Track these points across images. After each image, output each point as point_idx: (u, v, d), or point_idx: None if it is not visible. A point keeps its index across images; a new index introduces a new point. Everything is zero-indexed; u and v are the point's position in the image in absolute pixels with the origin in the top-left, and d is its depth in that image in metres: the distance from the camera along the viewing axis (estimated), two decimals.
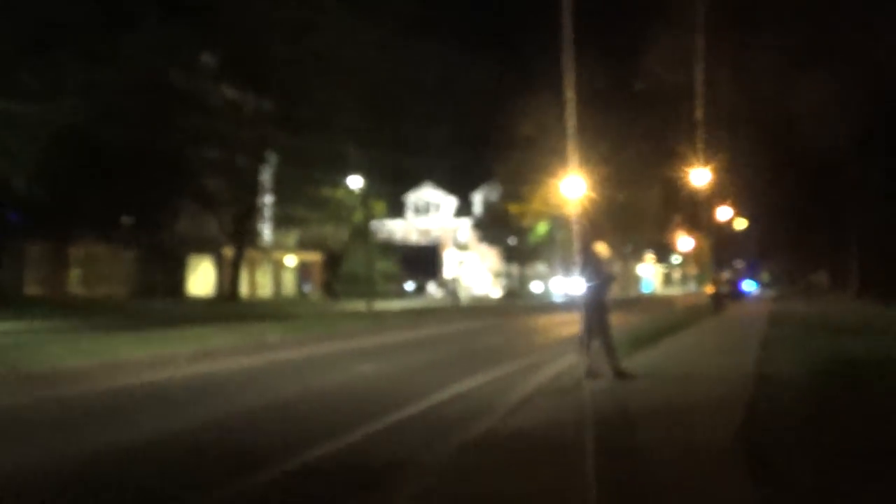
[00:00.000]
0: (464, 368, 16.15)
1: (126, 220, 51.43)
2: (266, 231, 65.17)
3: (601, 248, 14.43)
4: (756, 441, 8.25)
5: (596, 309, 13.98)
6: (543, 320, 34.63)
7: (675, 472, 7.44)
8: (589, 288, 13.83)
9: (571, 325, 14.03)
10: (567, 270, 14.76)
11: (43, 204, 38.62)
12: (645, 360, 16.59)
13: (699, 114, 40.73)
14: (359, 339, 25.01)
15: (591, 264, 14.02)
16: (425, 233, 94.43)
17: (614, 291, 14.90)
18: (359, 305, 46.50)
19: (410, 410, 11.45)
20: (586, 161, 36.35)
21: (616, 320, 14.82)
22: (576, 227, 13.45)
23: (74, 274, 50.38)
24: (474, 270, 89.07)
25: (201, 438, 9.88)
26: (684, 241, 67.65)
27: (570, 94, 13.36)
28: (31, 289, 44.42)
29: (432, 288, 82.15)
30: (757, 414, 9.76)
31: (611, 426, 9.76)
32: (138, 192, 45.70)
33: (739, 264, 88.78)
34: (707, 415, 10.21)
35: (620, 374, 13.75)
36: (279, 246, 67.28)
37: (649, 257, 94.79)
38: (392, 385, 14.53)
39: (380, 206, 65.34)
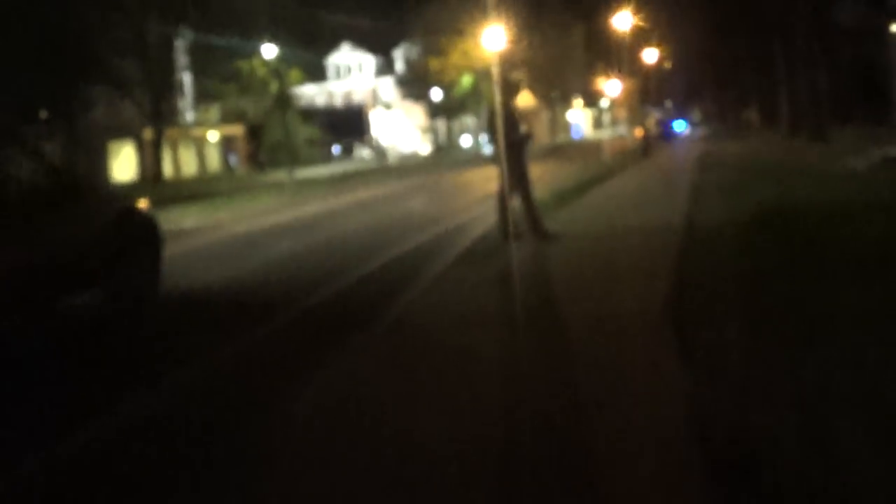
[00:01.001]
0: (380, 241, 15.27)
1: (42, 113, 49.70)
2: (188, 109, 63.75)
3: (523, 100, 13.68)
4: (684, 311, 7.57)
5: (514, 166, 13.25)
6: (470, 175, 33.98)
7: (600, 347, 6.78)
8: (506, 145, 13.03)
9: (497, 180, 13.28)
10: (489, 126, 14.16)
11: None
12: (570, 215, 16.01)
13: None
14: (280, 214, 24.15)
15: (509, 121, 13.22)
16: (348, 95, 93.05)
17: (543, 138, 14.14)
18: (283, 175, 45.63)
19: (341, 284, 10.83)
20: (505, 10, 35.35)
21: (541, 171, 14.10)
22: (495, 81, 12.62)
23: None
24: (401, 128, 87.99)
25: None
26: (611, 85, 66.91)
27: None
28: None
29: (360, 150, 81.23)
30: (685, 276, 9.08)
31: (530, 297, 9.08)
32: (49, 83, 44.02)
33: (669, 104, 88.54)
34: (632, 278, 9.53)
35: (542, 234, 13.10)
36: (201, 123, 65.91)
37: (577, 102, 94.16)
38: (319, 262, 13.60)
39: (295, 73, 64.34)
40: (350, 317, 8.91)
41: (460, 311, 8.67)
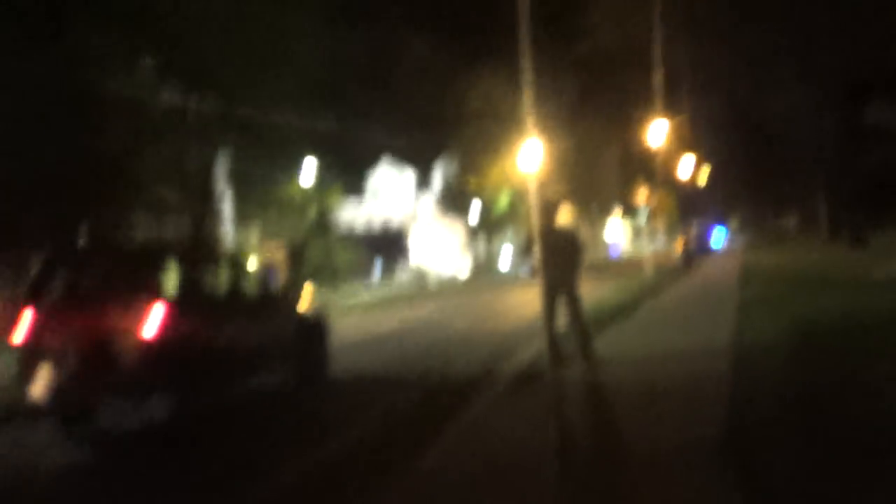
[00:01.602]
0: (424, 367, 15.18)
1: (82, 230, 50.11)
2: (227, 232, 64.08)
3: (563, 216, 13.63)
4: (742, 443, 7.38)
5: (564, 286, 13.12)
6: (512, 298, 33.65)
7: (656, 483, 6.61)
8: (555, 264, 12.85)
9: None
10: (527, 245, 14.14)
11: None
12: (616, 336, 15.85)
13: (657, 69, 40.17)
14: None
15: (556, 238, 13.12)
16: (387, 216, 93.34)
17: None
18: (322, 299, 45.69)
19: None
20: (542, 128, 35.60)
21: (584, 288, 13.87)
22: (533, 200, 12.62)
23: None
24: (440, 247, 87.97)
25: None
26: (648, 198, 66.95)
27: (525, 62, 12.56)
28: None
29: (400, 273, 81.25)
30: (740, 403, 8.88)
31: (585, 428, 8.97)
32: (89, 205, 44.57)
33: (707, 215, 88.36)
34: (687, 406, 9.35)
35: (591, 360, 12.92)
36: (242, 245, 66.14)
37: (616, 215, 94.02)
38: (363, 388, 13.98)
39: (335, 193, 64.63)
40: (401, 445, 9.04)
41: (509, 445, 8.56)
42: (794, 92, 44.55)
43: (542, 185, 13.79)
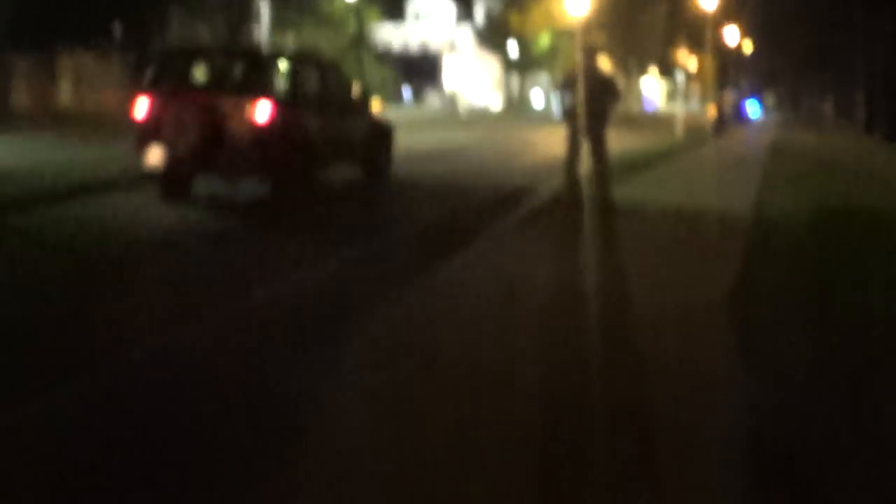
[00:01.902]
0: (434, 196, 15.60)
1: (115, 28, 49.76)
2: (263, 37, 63.48)
3: (604, 63, 13.62)
4: (748, 312, 7.44)
5: (594, 130, 13.14)
6: (541, 136, 33.51)
7: (659, 334, 6.78)
8: (589, 107, 12.88)
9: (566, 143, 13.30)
10: (566, 86, 14.14)
11: (26, 13, 37.07)
12: (637, 188, 15.86)
13: None
14: None
15: (594, 82, 13.09)
16: (425, 41, 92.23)
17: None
18: None
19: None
20: None
21: (612, 139, 13.89)
22: (577, 43, 12.52)
23: (64, 86, 48.85)
24: (474, 79, 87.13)
25: None
26: (689, 60, 66.07)
27: None
28: (21, 101, 42.87)
29: (431, 97, 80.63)
30: (751, 274, 8.83)
31: (590, 261, 9.14)
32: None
33: (744, 86, 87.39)
34: (695, 264, 9.42)
35: (608, 206, 13.02)
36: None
37: (653, 71, 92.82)
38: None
39: (373, 12, 63.87)
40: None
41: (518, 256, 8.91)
42: None
43: (585, 31, 13.71)
